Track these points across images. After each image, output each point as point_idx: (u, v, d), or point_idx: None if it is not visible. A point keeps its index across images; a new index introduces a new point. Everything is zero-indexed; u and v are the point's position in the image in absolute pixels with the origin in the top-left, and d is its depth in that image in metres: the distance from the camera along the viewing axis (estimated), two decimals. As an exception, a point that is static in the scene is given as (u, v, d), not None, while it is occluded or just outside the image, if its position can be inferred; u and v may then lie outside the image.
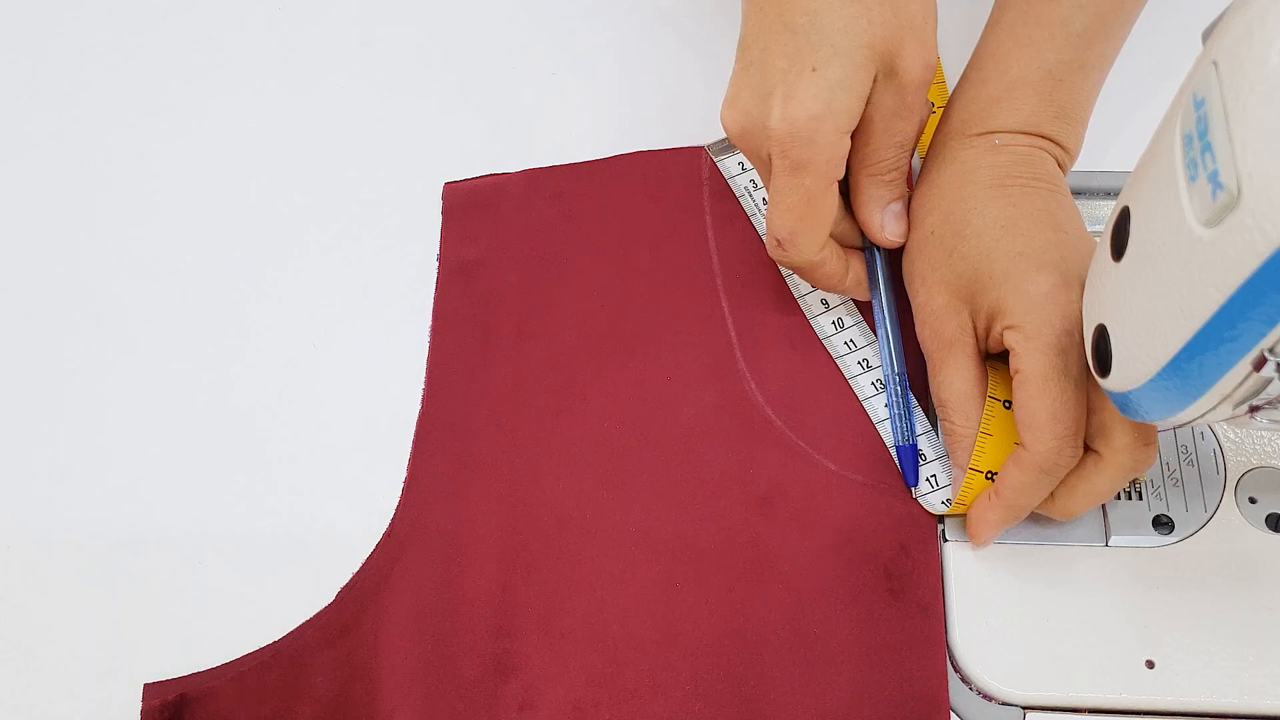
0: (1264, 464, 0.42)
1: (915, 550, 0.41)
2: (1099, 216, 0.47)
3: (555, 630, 0.41)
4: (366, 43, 0.57)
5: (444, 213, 0.51)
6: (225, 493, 0.46)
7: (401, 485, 0.45)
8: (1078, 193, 0.48)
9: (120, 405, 0.48)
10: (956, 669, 0.40)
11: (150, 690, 0.41)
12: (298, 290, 0.50)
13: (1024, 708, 0.39)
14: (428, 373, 0.47)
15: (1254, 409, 0.29)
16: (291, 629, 0.42)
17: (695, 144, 0.51)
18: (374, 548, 0.43)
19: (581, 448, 0.45)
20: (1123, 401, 0.34)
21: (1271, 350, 0.26)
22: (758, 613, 0.41)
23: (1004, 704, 0.39)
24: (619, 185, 0.51)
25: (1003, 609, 0.40)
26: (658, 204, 0.50)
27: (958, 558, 0.41)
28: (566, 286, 0.48)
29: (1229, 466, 0.42)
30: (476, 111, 0.54)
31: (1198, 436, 0.42)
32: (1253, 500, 0.41)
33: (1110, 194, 0.48)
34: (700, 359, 0.46)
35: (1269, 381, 0.28)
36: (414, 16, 0.58)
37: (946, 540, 0.42)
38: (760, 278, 0.47)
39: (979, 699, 0.39)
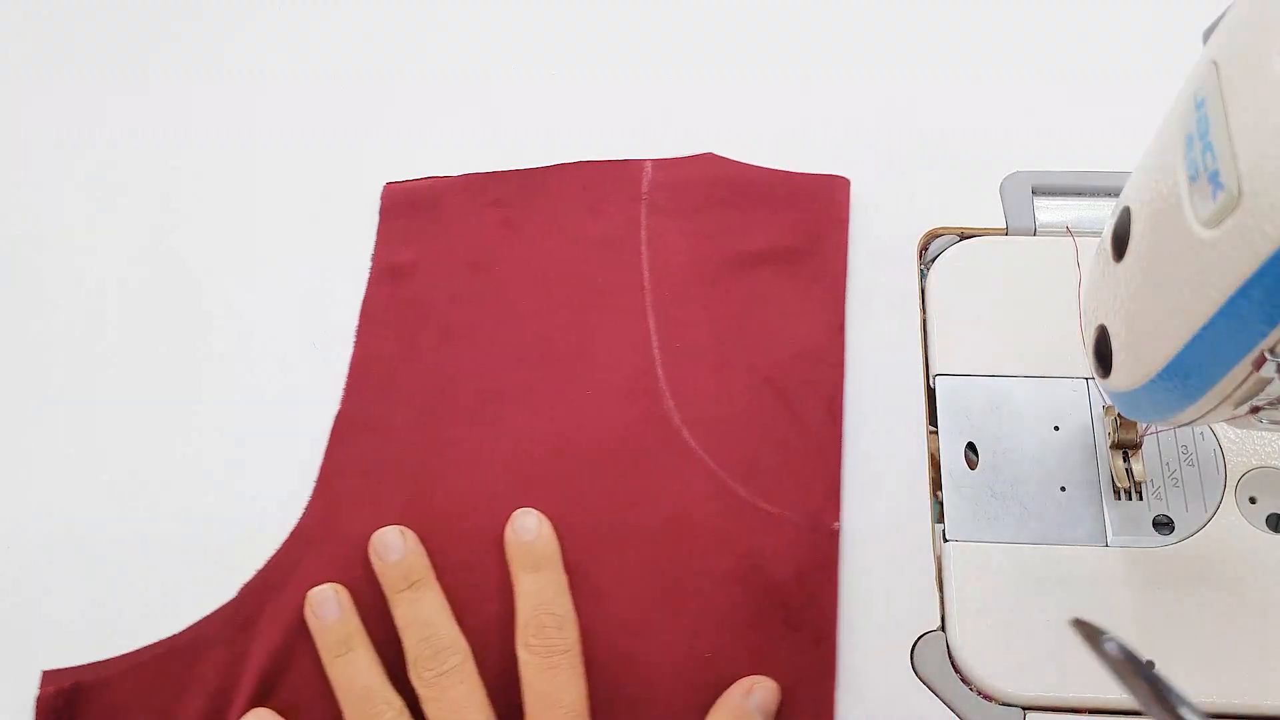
0: (1264, 464, 0.42)
1: (813, 581, 0.41)
2: (1099, 217, 0.47)
3: None
4: (368, 41, 0.57)
5: (381, 213, 0.51)
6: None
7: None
8: (1078, 193, 0.48)
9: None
10: (956, 669, 0.40)
11: (47, 677, 0.41)
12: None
13: (1024, 708, 0.38)
14: (349, 372, 0.47)
15: (1255, 409, 0.29)
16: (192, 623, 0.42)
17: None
18: (280, 545, 0.43)
19: (495, 457, 0.44)
20: (1124, 401, 0.34)
21: (1272, 350, 0.26)
22: (655, 636, 0.40)
23: (1004, 704, 0.39)
24: (558, 195, 0.50)
25: (1003, 609, 0.40)
26: (596, 215, 0.49)
27: (958, 558, 0.41)
28: (496, 294, 0.48)
29: (1229, 466, 0.42)
30: (475, 111, 0.54)
31: (1198, 436, 0.42)
32: (1253, 500, 0.41)
33: (1110, 194, 0.48)
34: (621, 375, 0.45)
35: (1269, 381, 0.28)
36: (416, 17, 0.58)
37: (947, 540, 0.42)
38: (689, 296, 0.47)
39: (979, 699, 0.39)
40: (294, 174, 0.53)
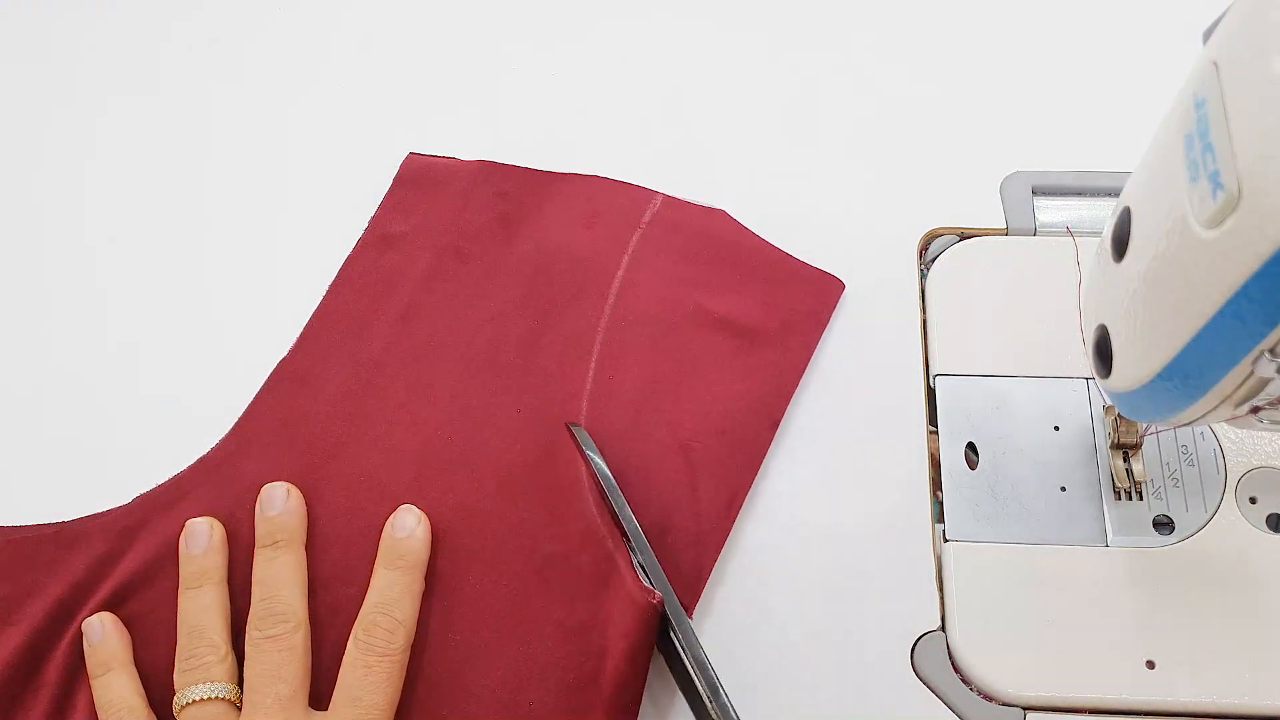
0: (1264, 464, 0.42)
1: (642, 659, 0.39)
2: (1099, 217, 0.47)
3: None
4: (370, 42, 0.57)
5: (394, 180, 0.51)
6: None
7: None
8: (1078, 193, 0.48)
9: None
10: (957, 669, 0.40)
11: None
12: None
13: (1024, 708, 0.38)
14: (306, 325, 0.47)
15: (1255, 409, 0.29)
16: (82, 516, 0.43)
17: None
18: (185, 468, 0.44)
19: (405, 447, 0.44)
20: (1124, 401, 0.34)
21: (1272, 350, 0.26)
22: (489, 669, 0.40)
23: (1004, 704, 0.39)
24: (562, 202, 0.50)
25: (1003, 609, 0.40)
26: (590, 230, 0.49)
27: (958, 557, 0.41)
28: (466, 286, 0.48)
29: (1229, 466, 0.42)
30: (485, 111, 0.54)
31: (1198, 436, 0.43)
32: (1253, 500, 0.41)
33: (1110, 194, 0.48)
34: (553, 400, 0.45)
35: (1269, 381, 0.28)
36: (418, 17, 0.58)
37: (947, 540, 0.42)
38: (642, 334, 0.46)
39: (979, 699, 0.39)
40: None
